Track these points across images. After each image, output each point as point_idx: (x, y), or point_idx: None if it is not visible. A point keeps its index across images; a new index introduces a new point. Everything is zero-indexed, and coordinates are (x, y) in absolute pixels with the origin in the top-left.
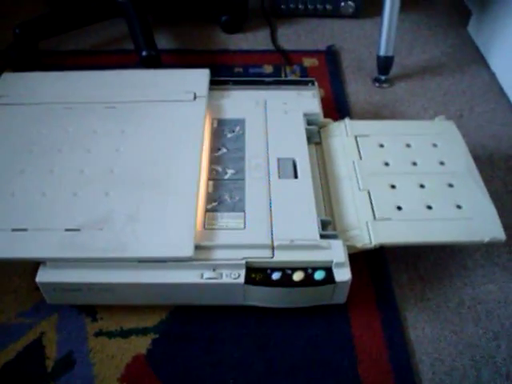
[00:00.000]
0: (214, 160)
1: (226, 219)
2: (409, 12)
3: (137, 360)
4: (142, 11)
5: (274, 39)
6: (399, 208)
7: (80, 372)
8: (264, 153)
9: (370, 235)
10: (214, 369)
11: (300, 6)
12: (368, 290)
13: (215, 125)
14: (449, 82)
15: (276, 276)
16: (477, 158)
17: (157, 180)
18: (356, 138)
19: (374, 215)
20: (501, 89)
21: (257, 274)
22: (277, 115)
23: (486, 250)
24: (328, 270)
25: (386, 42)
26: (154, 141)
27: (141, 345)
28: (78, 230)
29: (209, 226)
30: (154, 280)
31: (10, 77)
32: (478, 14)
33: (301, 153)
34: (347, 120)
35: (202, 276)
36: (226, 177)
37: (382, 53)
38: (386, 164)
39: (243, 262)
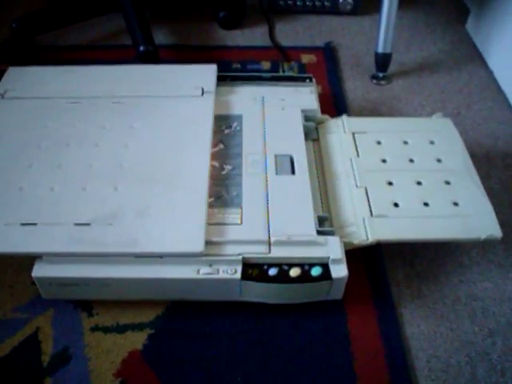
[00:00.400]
0: (212, 156)
1: (222, 215)
2: (407, 9)
3: (133, 355)
4: (140, 6)
5: (272, 35)
6: (396, 205)
7: (76, 367)
8: (261, 149)
9: (366, 232)
10: (210, 364)
11: (298, 3)
12: (364, 287)
13: None
14: (446, 80)
15: (273, 272)
16: (474, 156)
17: (166, 175)
18: (353, 134)
19: (370, 212)
20: (498, 87)
21: (253, 270)
22: (274, 111)
23: (482, 247)
24: (325, 267)
25: (384, 39)
26: (162, 136)
27: (137, 340)
28: (87, 224)
29: (206, 221)
30: (150, 275)
31: (16, 71)
32: (476, 12)
33: (298, 149)
34: (345, 117)
35: (198, 271)
36: (223, 172)
37: (380, 50)
38: (384, 161)
39: (240, 257)
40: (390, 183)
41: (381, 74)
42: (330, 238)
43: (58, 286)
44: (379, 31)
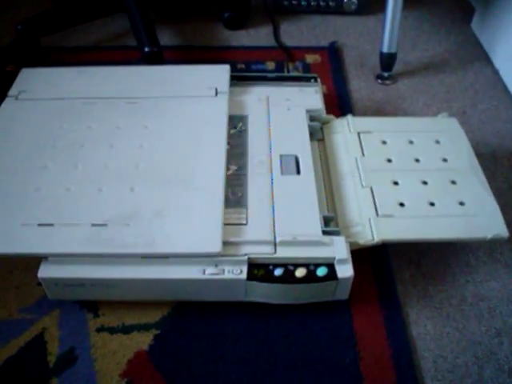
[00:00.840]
0: None
1: (228, 215)
2: (412, 9)
3: (138, 356)
4: (145, 7)
5: (276, 36)
6: (402, 204)
7: (82, 368)
8: (267, 149)
9: (372, 232)
10: (216, 365)
11: (303, 3)
12: (370, 287)
13: None
14: (452, 79)
15: (278, 272)
16: (480, 155)
17: (182, 175)
18: (359, 134)
19: (376, 212)
20: (504, 86)
21: (259, 270)
22: (279, 111)
23: (488, 247)
24: (330, 267)
25: (389, 38)
26: (177, 136)
27: (142, 341)
28: (104, 225)
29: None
30: (156, 276)
31: (29, 72)
32: (481, 11)
33: (303, 149)
34: (350, 116)
35: (204, 272)
36: (229, 173)
37: (385, 49)
38: (389, 160)
39: (245, 257)
40: (396, 183)
41: (386, 74)
42: (335, 238)
43: (63, 286)
44: (384, 31)
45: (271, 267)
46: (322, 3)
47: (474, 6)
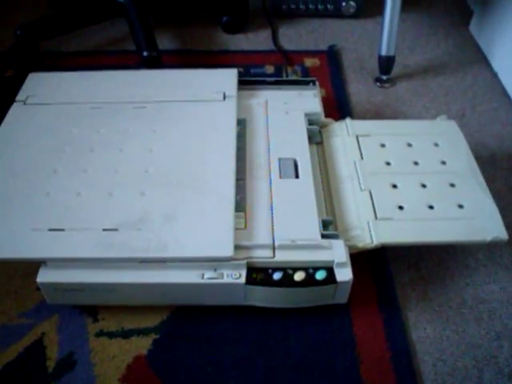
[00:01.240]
0: None
1: None
2: (410, 11)
3: (138, 360)
4: (143, 12)
5: (275, 39)
6: (401, 208)
7: (81, 372)
8: (265, 153)
9: (371, 235)
10: (215, 369)
11: (301, 6)
12: (370, 290)
13: None
14: (450, 82)
15: (277, 276)
16: (479, 158)
17: (192, 180)
18: (357, 137)
19: (375, 215)
20: (503, 88)
21: (258, 274)
22: (278, 115)
23: (488, 249)
24: (329, 270)
25: (388, 41)
26: (186, 141)
27: (142, 345)
28: (115, 230)
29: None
30: (155, 280)
31: (37, 77)
32: (479, 13)
33: (302, 153)
34: (348, 120)
35: (203, 276)
36: None
37: (384, 52)
38: (388, 164)
39: (244, 261)
40: (395, 186)
41: (384, 77)
42: (334, 241)
43: (62, 291)
44: (382, 34)
45: (270, 271)
46: (320, 7)
47: (472, 9)
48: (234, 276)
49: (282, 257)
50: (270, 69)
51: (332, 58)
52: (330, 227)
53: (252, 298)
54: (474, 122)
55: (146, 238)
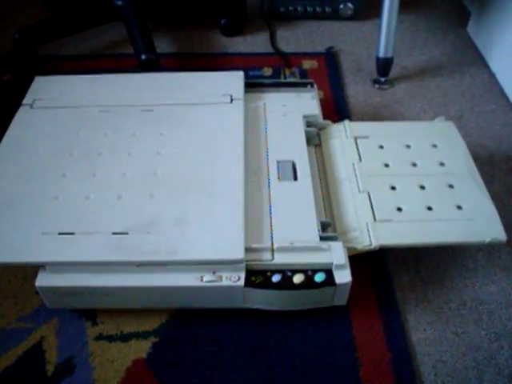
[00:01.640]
0: None
1: None
2: (408, 13)
3: (137, 364)
4: (141, 15)
5: (273, 42)
6: (399, 209)
7: (80, 376)
8: (263, 155)
9: (370, 237)
10: (215, 372)
11: (299, 9)
12: (369, 292)
13: None
14: (448, 83)
15: (276, 278)
16: (477, 159)
17: (201, 182)
18: (356, 139)
19: (374, 217)
20: (501, 89)
21: (257, 277)
22: (276, 117)
23: (487, 250)
24: (328, 272)
25: (385, 43)
26: (194, 143)
27: (141, 348)
28: (125, 233)
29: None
30: (154, 283)
31: (43, 80)
32: (477, 15)
33: (300, 155)
34: (347, 122)
35: (201, 279)
36: None
37: (382, 54)
38: (386, 165)
39: (243, 264)
40: (393, 187)
41: (382, 79)
42: (333, 243)
43: (61, 295)
44: (380, 36)
45: (269, 274)
46: (318, 9)
47: (469, 10)
48: (232, 279)
49: (281, 259)
50: (268, 71)
51: (330, 60)
52: (328, 229)
53: (251, 300)
54: (472, 123)
55: (157, 241)
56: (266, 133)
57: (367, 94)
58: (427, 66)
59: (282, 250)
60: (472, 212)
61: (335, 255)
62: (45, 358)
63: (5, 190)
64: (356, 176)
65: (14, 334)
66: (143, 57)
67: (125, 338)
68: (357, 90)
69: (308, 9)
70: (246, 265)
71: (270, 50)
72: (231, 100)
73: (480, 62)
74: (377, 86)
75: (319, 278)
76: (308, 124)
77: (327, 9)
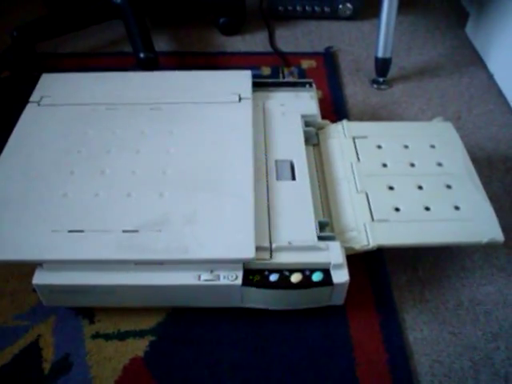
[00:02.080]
0: None
1: None
2: (406, 13)
3: (134, 362)
4: (140, 13)
5: (271, 41)
6: (397, 209)
7: (77, 374)
8: (262, 154)
9: (367, 237)
10: (212, 371)
11: (298, 8)
12: (366, 292)
13: None
14: (447, 84)
15: (274, 278)
16: (475, 160)
17: (211, 181)
18: (354, 139)
19: (371, 216)
20: (499, 90)
21: (254, 276)
22: (274, 117)
23: (484, 251)
24: (326, 272)
25: (384, 43)
26: (204, 142)
27: (138, 347)
28: (135, 231)
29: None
30: (151, 282)
31: (50, 78)
32: (475, 16)
33: (298, 154)
34: (345, 121)
35: (199, 278)
36: None
37: (380, 54)
38: (384, 165)
39: (241, 263)
40: (391, 188)
41: (381, 79)
42: (330, 243)
43: (58, 293)
44: (379, 36)
45: (267, 273)
46: (317, 9)
47: (468, 11)
48: (230, 278)
49: (279, 258)
50: (266, 70)
51: (329, 59)
52: (326, 229)
53: (248, 299)
54: (470, 124)
55: (167, 240)
56: (265, 132)
57: (366, 94)
58: (426, 67)
59: (280, 249)
60: (470, 212)
61: (333, 255)
62: (41, 356)
63: (14, 188)
64: (354, 176)
65: (10, 332)
66: (142, 55)
67: (122, 336)
68: (355, 90)
69: (307, 8)
70: (244, 264)
71: (268, 49)
72: (239, 99)
73: (478, 62)
74: (375, 86)
75: (317, 277)
76: (306, 124)
77: (326, 8)
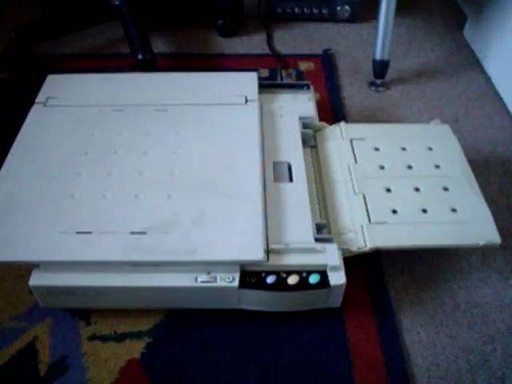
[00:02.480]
0: None
1: None
2: (405, 16)
3: (131, 364)
4: (138, 14)
5: (269, 43)
6: (394, 211)
7: (73, 376)
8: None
9: (365, 239)
10: (209, 373)
11: (296, 10)
12: (363, 294)
13: None
14: (444, 86)
15: (271, 280)
16: (472, 162)
17: (219, 182)
18: (351, 141)
19: (369, 219)
20: (496, 93)
21: (251, 278)
22: (272, 119)
23: (481, 253)
24: (323, 274)
25: (382, 46)
26: (211, 143)
27: (135, 349)
28: (144, 233)
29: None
30: (148, 284)
31: (55, 79)
32: (473, 19)
33: (296, 156)
34: (342, 123)
35: (196, 279)
36: None
37: (378, 57)
38: (382, 167)
39: (238, 265)
40: (388, 190)
41: (379, 81)
42: (328, 245)
43: (55, 294)
44: (377, 38)
45: (264, 275)
46: (315, 11)
47: (466, 14)
48: (227, 280)
49: (276, 260)
50: (264, 72)
51: (326, 61)
52: (323, 231)
53: (245, 301)
54: (467, 127)
55: (175, 242)
56: (262, 134)
57: (363, 96)
58: (423, 69)
59: (277, 251)
60: (467, 215)
61: (330, 257)
62: (38, 357)
63: (20, 189)
64: (351, 178)
65: (6, 333)
66: (140, 56)
67: (118, 338)
68: (353, 92)
69: (305, 10)
70: (241, 266)
71: (266, 51)
72: (246, 101)
73: (476, 65)
74: (373, 88)
75: (314, 279)
76: (304, 125)
77: (324, 11)
